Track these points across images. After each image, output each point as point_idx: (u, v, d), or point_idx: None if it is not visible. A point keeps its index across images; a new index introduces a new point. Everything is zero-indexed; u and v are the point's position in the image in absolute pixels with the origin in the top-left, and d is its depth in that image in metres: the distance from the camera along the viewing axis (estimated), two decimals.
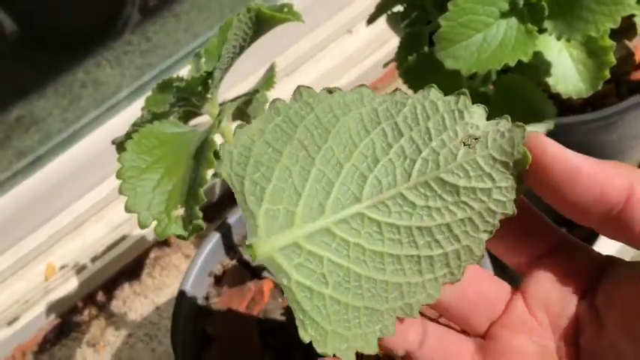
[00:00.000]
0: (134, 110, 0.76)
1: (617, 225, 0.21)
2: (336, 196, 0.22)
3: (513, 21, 0.39)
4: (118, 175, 0.38)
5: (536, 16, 0.39)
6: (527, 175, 0.21)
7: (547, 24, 0.39)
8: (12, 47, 0.84)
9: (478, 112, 0.21)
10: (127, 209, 0.37)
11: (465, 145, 0.21)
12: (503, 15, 0.39)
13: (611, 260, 0.23)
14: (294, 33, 0.83)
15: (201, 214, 0.35)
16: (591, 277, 0.23)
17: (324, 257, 0.21)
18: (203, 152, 0.36)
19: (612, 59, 0.39)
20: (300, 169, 0.22)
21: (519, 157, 0.21)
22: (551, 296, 0.23)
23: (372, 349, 0.21)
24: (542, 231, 0.24)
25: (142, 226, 0.37)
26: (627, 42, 0.49)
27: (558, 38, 0.38)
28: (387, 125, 0.22)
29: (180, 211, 0.37)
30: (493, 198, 0.21)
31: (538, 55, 0.41)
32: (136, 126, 0.42)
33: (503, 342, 0.23)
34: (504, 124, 0.21)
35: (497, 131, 0.21)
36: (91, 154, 0.74)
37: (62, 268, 0.71)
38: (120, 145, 0.42)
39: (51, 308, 0.70)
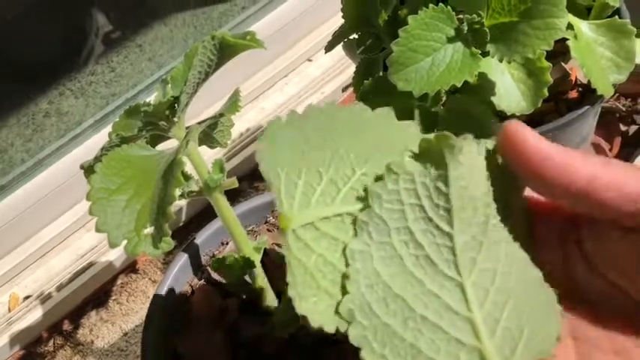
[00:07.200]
0: (99, 140, 0.77)
1: (579, 201, 0.24)
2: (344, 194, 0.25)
3: (459, 45, 0.43)
4: (88, 197, 0.39)
5: (479, 41, 0.42)
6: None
7: (489, 47, 0.42)
8: None
9: None
10: (98, 229, 0.38)
11: None
12: (450, 40, 0.43)
13: None
14: (257, 61, 0.86)
15: (170, 232, 0.37)
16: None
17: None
18: (171, 172, 0.38)
19: (549, 79, 0.43)
20: (320, 171, 0.25)
21: None
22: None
23: None
24: None
25: (113, 245, 0.38)
26: (564, 64, 0.53)
27: (500, 60, 0.41)
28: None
29: (149, 230, 0.38)
30: None
31: (483, 76, 0.45)
32: (105, 150, 0.43)
33: None
34: None
35: None
36: (55, 184, 0.75)
37: (26, 298, 0.71)
38: (89, 169, 0.43)
39: (15, 340, 0.69)
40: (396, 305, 0.23)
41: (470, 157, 0.23)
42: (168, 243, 0.37)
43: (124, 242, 0.38)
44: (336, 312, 0.23)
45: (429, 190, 0.23)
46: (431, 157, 0.23)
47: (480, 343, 0.23)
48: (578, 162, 0.23)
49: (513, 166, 0.25)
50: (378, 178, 0.24)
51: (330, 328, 0.23)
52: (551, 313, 0.25)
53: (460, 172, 0.23)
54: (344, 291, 0.23)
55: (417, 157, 0.24)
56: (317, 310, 0.23)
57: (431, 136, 0.23)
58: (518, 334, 0.24)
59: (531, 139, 0.24)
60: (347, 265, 0.24)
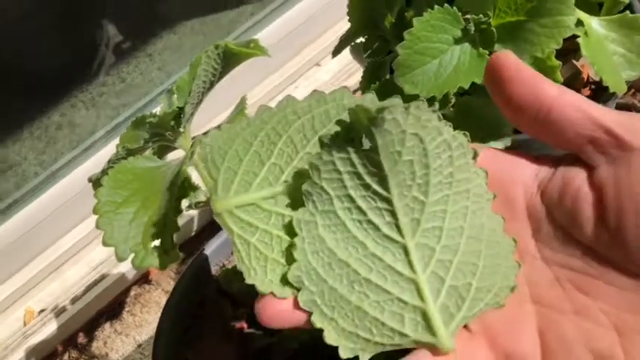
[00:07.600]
0: (110, 150, 0.77)
1: (544, 124, 0.25)
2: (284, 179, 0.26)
3: (466, 46, 0.42)
4: (95, 211, 0.39)
5: (486, 41, 0.41)
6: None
7: (497, 47, 0.41)
8: None
9: None
10: (105, 243, 0.38)
11: None
12: (457, 41, 0.42)
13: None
14: (266, 68, 0.86)
15: (177, 244, 0.36)
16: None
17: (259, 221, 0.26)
18: (177, 183, 0.37)
19: (560, 77, 0.42)
20: (261, 158, 0.26)
21: None
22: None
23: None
24: None
25: (120, 259, 0.38)
26: (575, 62, 0.52)
27: None
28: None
29: (157, 242, 0.38)
30: None
31: None
32: (112, 162, 0.43)
33: None
34: None
35: None
36: (68, 196, 0.75)
37: (41, 311, 0.71)
38: (96, 182, 0.43)
39: (30, 353, 0.69)
40: (341, 270, 0.24)
41: (397, 124, 0.23)
42: (175, 255, 0.37)
43: (132, 256, 0.38)
44: (284, 280, 0.24)
45: (362, 158, 0.24)
46: (359, 126, 0.24)
47: (424, 303, 0.24)
48: (548, 83, 0.25)
49: (492, 88, 0.25)
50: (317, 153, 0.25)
51: (282, 294, 0.24)
52: (506, 263, 0.25)
53: (388, 139, 0.23)
54: (292, 259, 0.24)
55: (347, 127, 0.24)
56: (267, 279, 0.24)
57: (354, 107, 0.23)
58: (466, 290, 0.24)
59: (512, 60, 0.25)
60: (294, 235, 0.25)
